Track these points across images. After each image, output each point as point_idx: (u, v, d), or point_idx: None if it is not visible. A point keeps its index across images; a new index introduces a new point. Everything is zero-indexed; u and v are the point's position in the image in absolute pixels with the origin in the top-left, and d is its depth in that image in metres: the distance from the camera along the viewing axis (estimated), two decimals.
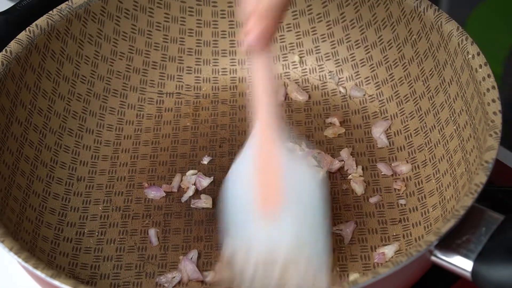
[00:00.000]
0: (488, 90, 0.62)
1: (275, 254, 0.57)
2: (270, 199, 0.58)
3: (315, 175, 0.62)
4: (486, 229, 0.54)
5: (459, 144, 0.66)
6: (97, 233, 0.69)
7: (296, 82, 0.81)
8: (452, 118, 0.68)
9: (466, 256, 0.53)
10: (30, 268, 0.53)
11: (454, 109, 0.68)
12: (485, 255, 0.53)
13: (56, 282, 0.52)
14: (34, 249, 0.64)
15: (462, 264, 0.53)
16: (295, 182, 0.59)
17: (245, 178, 0.59)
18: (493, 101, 0.61)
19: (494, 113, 0.60)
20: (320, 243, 0.58)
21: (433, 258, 0.54)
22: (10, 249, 0.55)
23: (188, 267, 0.64)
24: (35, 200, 0.68)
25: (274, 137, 0.59)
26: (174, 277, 0.64)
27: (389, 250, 0.65)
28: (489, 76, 0.63)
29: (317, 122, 0.77)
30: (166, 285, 0.64)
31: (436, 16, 0.70)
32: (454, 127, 0.68)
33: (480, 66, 0.64)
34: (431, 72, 0.72)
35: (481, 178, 0.55)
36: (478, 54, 0.65)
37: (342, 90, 0.79)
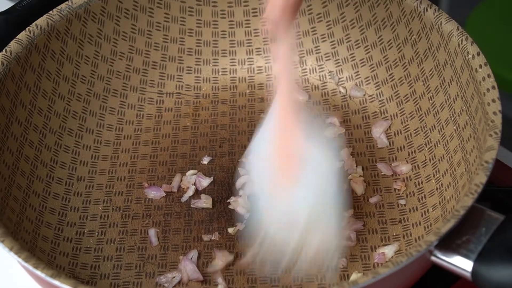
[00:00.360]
0: (488, 90, 0.62)
1: (294, 219, 0.59)
2: (290, 168, 0.60)
3: (332, 146, 0.63)
4: (486, 229, 0.54)
5: (459, 144, 0.66)
6: (97, 233, 0.69)
7: (296, 82, 0.81)
8: (452, 118, 0.68)
9: (466, 256, 0.53)
10: (30, 268, 0.53)
11: (454, 109, 0.68)
12: (485, 255, 0.53)
13: (56, 282, 0.52)
14: (34, 249, 0.64)
15: (462, 264, 0.53)
16: (313, 152, 0.60)
17: (266, 149, 0.61)
18: (493, 101, 0.61)
19: (494, 113, 0.60)
20: (336, 209, 0.60)
21: (433, 258, 0.54)
22: (10, 249, 0.55)
23: (188, 267, 0.64)
24: (35, 200, 0.68)
25: (293, 110, 0.61)
26: (174, 277, 0.64)
27: (389, 250, 0.65)
28: (489, 76, 0.63)
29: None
30: (166, 285, 0.64)
31: (436, 16, 0.70)
32: (454, 127, 0.68)
33: (480, 66, 0.64)
34: (431, 72, 0.72)
35: (481, 178, 0.55)
36: (478, 54, 0.65)
37: (342, 90, 0.79)
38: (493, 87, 0.62)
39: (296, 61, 0.81)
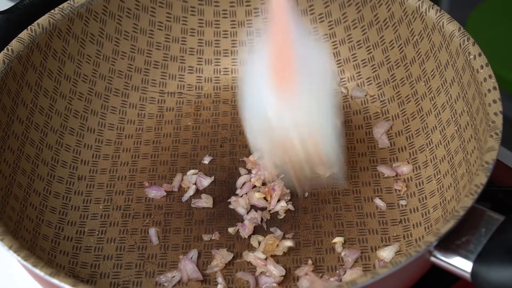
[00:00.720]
0: (489, 90, 0.62)
1: (291, 129, 0.61)
2: (285, 78, 0.61)
3: (325, 57, 0.64)
4: (486, 230, 0.54)
5: (460, 145, 0.66)
6: (97, 232, 0.69)
7: None
8: (453, 119, 0.68)
9: (465, 257, 0.53)
10: (30, 266, 0.53)
11: (455, 110, 0.68)
12: (484, 256, 0.53)
13: (55, 281, 0.52)
14: (35, 247, 0.64)
15: (462, 265, 0.53)
16: (307, 63, 0.62)
17: (261, 65, 0.63)
18: (494, 102, 0.61)
19: (495, 114, 0.60)
20: (331, 118, 0.63)
21: (432, 258, 0.54)
22: (10, 247, 0.55)
23: (188, 266, 0.64)
24: (35, 199, 0.68)
25: (288, 21, 0.61)
26: (174, 276, 0.64)
27: (389, 252, 0.65)
28: (490, 77, 0.63)
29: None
30: (166, 284, 0.64)
31: (438, 16, 0.70)
32: (455, 128, 0.68)
33: (482, 67, 0.64)
34: (432, 73, 0.72)
35: (481, 179, 0.55)
36: (480, 55, 0.65)
37: (344, 91, 0.79)
38: (494, 88, 0.62)
39: None
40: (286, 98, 0.61)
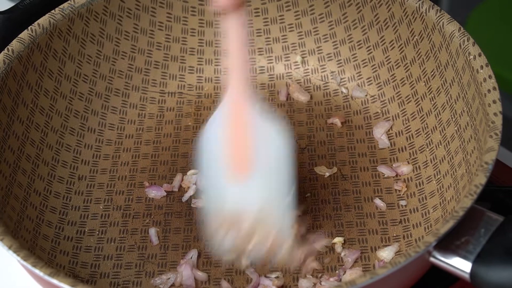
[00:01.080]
0: (489, 91, 0.62)
1: (244, 214, 0.60)
2: (241, 162, 0.61)
3: (284, 139, 0.62)
4: (485, 230, 0.54)
5: (460, 145, 0.66)
6: (97, 232, 0.69)
7: (298, 83, 0.81)
8: (453, 119, 0.68)
9: (464, 257, 0.53)
10: (29, 266, 0.53)
11: (455, 110, 0.68)
12: (483, 256, 0.53)
13: (54, 281, 0.52)
14: (35, 247, 0.65)
15: (461, 265, 0.53)
16: (265, 145, 0.61)
17: (217, 140, 0.62)
18: (494, 102, 0.61)
19: (495, 114, 0.60)
20: (285, 204, 0.61)
21: (432, 259, 0.54)
22: (9, 247, 0.55)
23: (185, 272, 0.64)
24: (36, 199, 0.68)
25: (245, 101, 0.60)
26: (169, 278, 0.64)
27: (389, 252, 0.65)
28: (490, 77, 0.63)
29: (318, 122, 0.77)
30: (161, 286, 0.64)
31: (438, 17, 0.70)
32: (455, 128, 0.68)
33: (482, 67, 0.64)
34: (432, 73, 0.72)
35: (481, 179, 0.55)
36: (480, 55, 0.65)
37: (344, 91, 0.79)
38: (494, 88, 0.62)
39: (298, 61, 0.81)
40: (241, 182, 0.61)
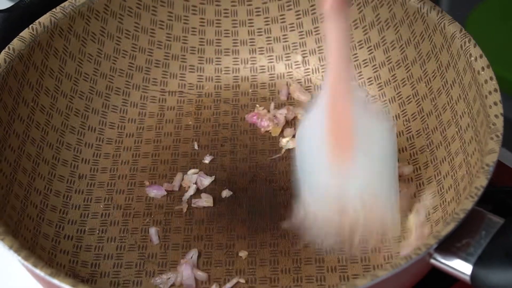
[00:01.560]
0: (490, 92, 0.62)
1: (345, 202, 0.60)
2: (342, 148, 0.61)
3: (386, 125, 0.63)
4: (485, 232, 0.54)
5: (460, 146, 0.66)
6: (98, 231, 0.69)
7: (298, 82, 0.81)
8: (454, 120, 0.68)
9: (465, 259, 0.53)
10: (30, 266, 0.53)
11: (456, 111, 0.68)
12: (484, 258, 0.53)
13: (55, 281, 0.52)
14: (35, 246, 0.65)
15: (461, 267, 0.53)
16: (366, 132, 0.61)
17: (318, 128, 0.62)
18: (495, 104, 0.61)
19: (496, 116, 0.60)
20: (390, 191, 0.62)
21: (432, 261, 0.54)
22: (10, 247, 0.55)
23: (185, 271, 0.64)
24: (36, 198, 0.68)
25: (346, 88, 0.61)
26: (169, 278, 0.64)
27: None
28: (491, 78, 0.63)
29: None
30: (161, 286, 0.64)
31: (439, 17, 0.70)
32: (456, 129, 0.68)
33: (483, 69, 0.64)
34: (433, 74, 0.72)
35: (482, 181, 0.55)
36: (481, 57, 0.65)
37: None
38: (495, 90, 0.62)
39: (299, 61, 0.81)
40: (344, 166, 0.60)
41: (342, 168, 0.60)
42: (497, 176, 0.64)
